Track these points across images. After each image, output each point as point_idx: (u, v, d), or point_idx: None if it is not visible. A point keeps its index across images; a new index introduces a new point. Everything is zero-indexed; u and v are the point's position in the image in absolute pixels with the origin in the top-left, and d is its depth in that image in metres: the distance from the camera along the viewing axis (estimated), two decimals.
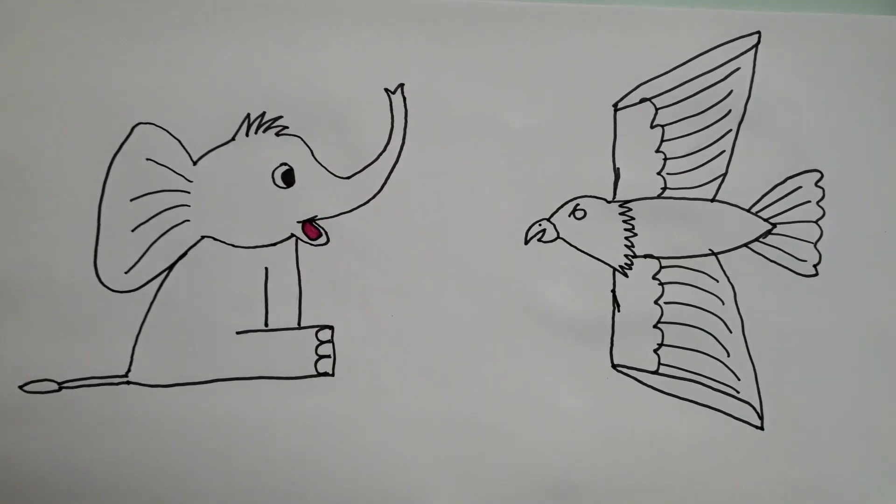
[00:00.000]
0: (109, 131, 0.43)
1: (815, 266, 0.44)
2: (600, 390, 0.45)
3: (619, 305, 0.44)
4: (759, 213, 0.44)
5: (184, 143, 0.43)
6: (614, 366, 0.45)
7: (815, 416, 0.44)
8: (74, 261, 0.43)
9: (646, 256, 0.44)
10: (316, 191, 0.43)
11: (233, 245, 0.44)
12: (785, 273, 0.44)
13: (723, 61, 0.43)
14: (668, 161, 0.44)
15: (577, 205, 0.44)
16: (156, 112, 0.43)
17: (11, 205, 0.43)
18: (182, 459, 0.44)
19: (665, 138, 0.44)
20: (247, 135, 0.43)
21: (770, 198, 0.44)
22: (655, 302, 0.44)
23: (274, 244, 0.44)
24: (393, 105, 0.43)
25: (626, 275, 0.44)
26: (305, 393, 0.44)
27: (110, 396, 0.44)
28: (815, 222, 0.44)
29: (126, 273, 0.43)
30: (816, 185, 0.44)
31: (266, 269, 0.44)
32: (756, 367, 0.44)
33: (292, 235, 0.44)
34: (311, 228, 0.44)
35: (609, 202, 0.44)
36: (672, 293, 0.44)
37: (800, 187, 0.44)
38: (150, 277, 0.43)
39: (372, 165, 0.43)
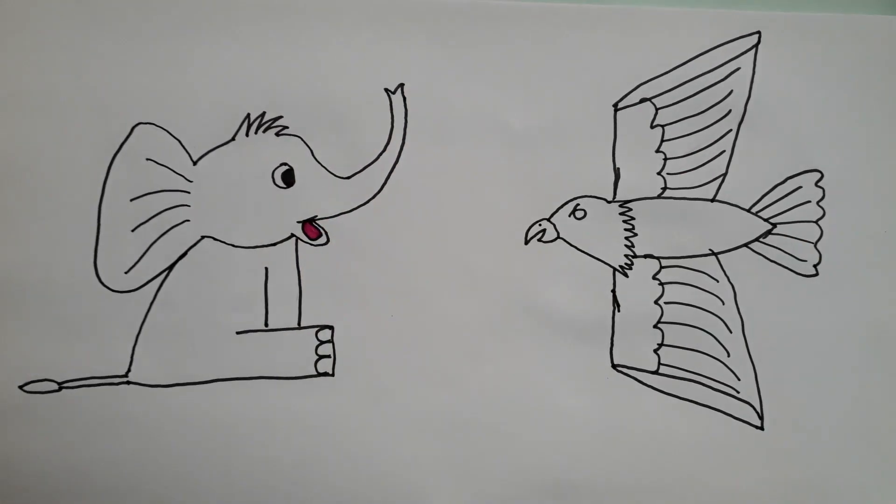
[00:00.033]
0: (109, 131, 0.43)
1: (815, 266, 0.44)
2: (600, 390, 0.44)
3: (619, 305, 0.44)
4: (759, 213, 0.44)
5: (184, 143, 0.43)
6: (614, 366, 0.45)
7: (815, 416, 0.44)
8: (74, 261, 0.43)
9: (646, 256, 0.44)
10: (316, 191, 0.43)
11: (233, 245, 0.43)
12: (785, 273, 0.44)
13: (723, 61, 0.43)
14: (668, 161, 0.44)
15: (578, 205, 0.44)
16: (156, 112, 0.43)
17: (11, 205, 0.43)
18: (182, 459, 0.44)
19: (665, 138, 0.44)
20: (247, 135, 0.43)
21: (770, 198, 0.44)
22: (655, 302, 0.44)
23: (274, 244, 0.44)
24: (393, 105, 0.43)
25: (626, 275, 0.44)
26: (305, 393, 0.44)
27: (110, 396, 0.44)
28: (816, 222, 0.44)
29: (126, 273, 0.43)
30: (816, 185, 0.44)
31: (266, 269, 0.44)
32: (756, 367, 0.44)
33: (292, 235, 0.44)
34: (311, 228, 0.44)
35: (609, 202, 0.44)
36: (672, 293, 0.44)
37: (800, 187, 0.44)
38: (150, 277, 0.43)
39: (372, 165, 0.43)
